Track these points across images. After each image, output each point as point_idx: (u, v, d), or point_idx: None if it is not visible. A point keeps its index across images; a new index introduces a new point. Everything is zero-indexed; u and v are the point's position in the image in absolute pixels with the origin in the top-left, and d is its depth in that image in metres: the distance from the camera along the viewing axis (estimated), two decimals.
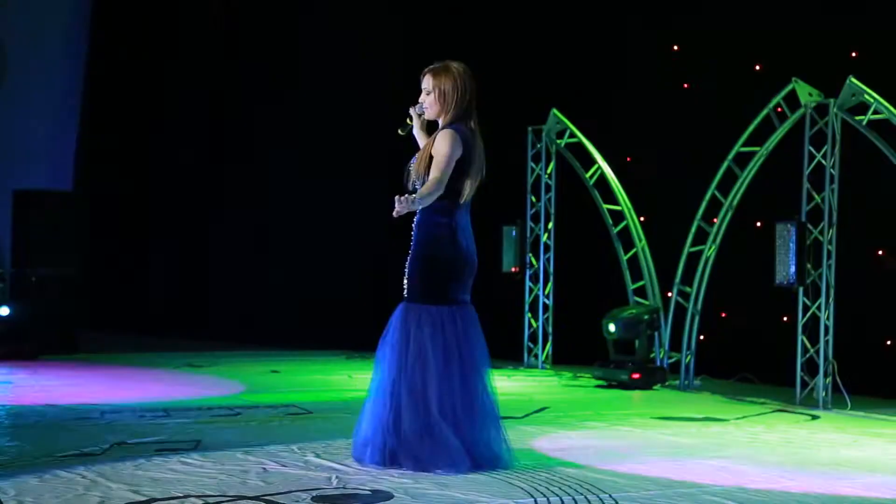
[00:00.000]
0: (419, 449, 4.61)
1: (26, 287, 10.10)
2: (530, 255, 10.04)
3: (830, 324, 7.39)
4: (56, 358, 9.60)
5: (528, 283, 10.03)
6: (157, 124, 13.43)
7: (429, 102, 4.87)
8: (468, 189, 4.82)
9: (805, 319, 7.50)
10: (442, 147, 4.72)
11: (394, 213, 4.47)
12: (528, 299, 10.03)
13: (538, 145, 9.97)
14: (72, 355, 9.89)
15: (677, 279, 8.65)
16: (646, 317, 8.71)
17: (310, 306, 11.52)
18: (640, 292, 9.23)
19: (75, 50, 13.58)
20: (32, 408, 6.46)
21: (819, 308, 7.42)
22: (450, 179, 4.73)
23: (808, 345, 7.51)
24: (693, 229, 8.54)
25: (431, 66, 4.92)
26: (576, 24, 10.06)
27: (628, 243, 9.32)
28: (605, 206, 9.43)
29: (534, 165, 10.01)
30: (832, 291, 7.39)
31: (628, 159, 9.63)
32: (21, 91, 12.77)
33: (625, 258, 9.33)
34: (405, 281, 4.83)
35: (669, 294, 8.77)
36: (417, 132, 5.08)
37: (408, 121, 5.07)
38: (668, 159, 9.35)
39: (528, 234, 10.03)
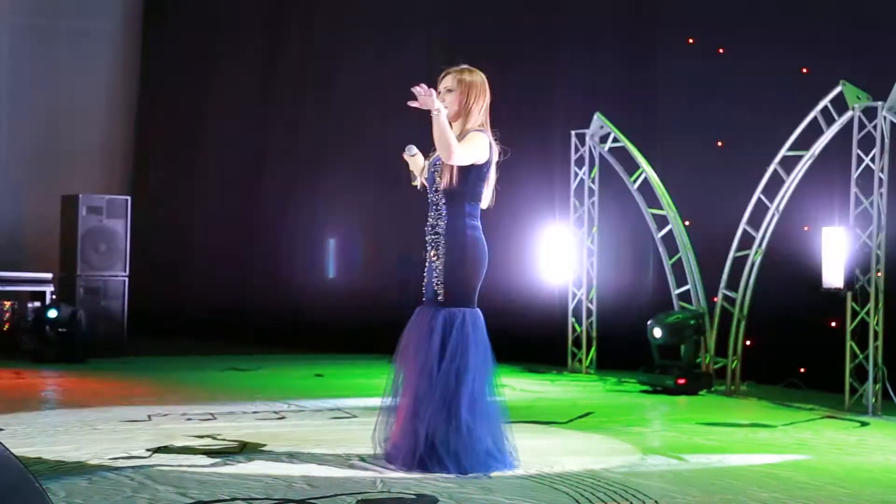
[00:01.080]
0: (455, 451, 4.62)
1: (74, 291, 10.23)
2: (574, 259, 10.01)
3: (880, 329, 7.30)
4: (103, 361, 9.71)
5: (571, 288, 10.00)
6: (205, 129, 13.55)
7: (450, 100, 4.85)
8: (488, 196, 4.86)
9: (854, 325, 7.42)
10: (470, 141, 4.73)
11: (412, 102, 4.49)
12: (571, 304, 10.00)
13: (582, 149, 9.93)
14: (119, 358, 10.00)
15: (723, 284, 8.58)
16: (692, 322, 8.65)
17: (354, 310, 11.55)
18: (685, 297, 9.17)
19: (126, 58, 13.74)
20: (81, 411, 6.54)
21: (868, 313, 7.33)
22: (473, 184, 4.77)
23: (857, 350, 7.42)
24: (739, 234, 8.47)
25: (453, 67, 4.92)
26: (619, 28, 10.02)
27: (673, 248, 9.26)
28: (650, 211, 9.37)
29: (577, 170, 9.97)
30: (881, 296, 7.30)
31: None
32: (70, 98, 12.94)
33: (669, 262, 9.27)
34: (439, 285, 4.81)
35: (715, 299, 8.71)
36: (417, 169, 5.10)
37: (411, 170, 5.08)
38: (713, 163, 9.28)
39: (573, 239, 10.00)
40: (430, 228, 4.88)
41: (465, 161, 4.73)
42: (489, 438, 4.72)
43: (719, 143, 9.31)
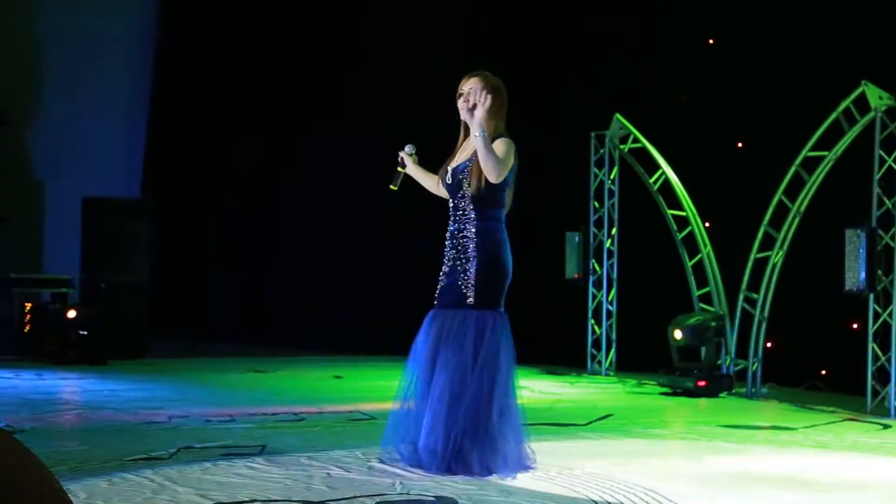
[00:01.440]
0: (481, 454, 4.64)
1: (95, 293, 10.27)
2: (594, 261, 9.99)
3: None
4: (124, 363, 9.76)
5: (591, 290, 9.98)
6: (222, 132, 13.60)
7: (473, 101, 4.87)
8: (510, 201, 4.87)
9: (876, 327, 7.38)
10: (503, 147, 4.75)
11: (466, 114, 4.48)
12: (591, 306, 9.98)
13: (601, 151, 9.93)
14: (139, 360, 10.04)
15: (744, 285, 8.56)
16: (713, 323, 8.63)
17: (373, 311, 11.57)
18: (706, 299, 9.14)
19: (142, 60, 13.82)
20: (101, 412, 6.58)
21: (890, 315, 7.29)
22: (500, 189, 4.78)
23: (880, 353, 7.38)
24: (760, 235, 8.45)
25: (477, 72, 4.94)
26: (637, 29, 10.00)
27: (693, 249, 9.24)
28: (670, 212, 9.36)
29: (597, 171, 9.96)
30: None
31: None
32: (89, 100, 13.01)
33: (689, 264, 9.25)
34: (468, 288, 4.81)
35: (735, 301, 8.68)
36: (415, 171, 5.11)
37: (399, 169, 5.10)
38: (733, 164, 9.26)
39: (592, 241, 9.99)
40: (455, 233, 4.88)
41: (505, 174, 4.76)
42: (512, 441, 4.74)
43: (740, 145, 9.28)
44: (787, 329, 8.76)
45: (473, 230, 4.84)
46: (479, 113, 4.72)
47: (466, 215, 4.86)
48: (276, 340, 11.94)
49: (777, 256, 8.34)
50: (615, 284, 9.92)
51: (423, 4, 11.46)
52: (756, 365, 8.44)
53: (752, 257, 8.51)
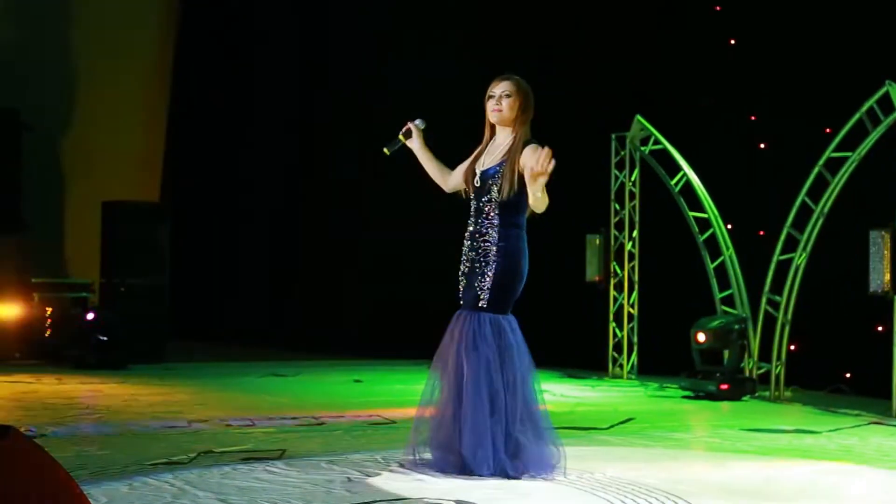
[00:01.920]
0: (505, 457, 4.65)
1: (115, 297, 10.32)
2: (614, 263, 9.97)
3: None
4: (144, 367, 9.79)
5: (612, 293, 9.96)
6: (243, 135, 13.66)
7: (506, 106, 4.88)
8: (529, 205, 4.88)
9: None
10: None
11: (543, 166, 4.47)
12: (612, 309, 9.96)
13: (622, 152, 9.91)
14: (159, 364, 10.08)
15: (766, 288, 8.52)
16: (735, 326, 8.59)
17: (393, 315, 11.58)
18: (728, 301, 9.11)
19: (162, 64, 13.90)
20: (121, 416, 6.61)
21: None
22: (523, 196, 4.79)
23: None
24: (783, 237, 8.42)
25: (506, 74, 4.95)
26: (658, 29, 9.98)
27: (715, 251, 9.21)
28: (691, 214, 9.34)
29: (618, 173, 9.95)
30: None
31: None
32: (109, 104, 13.09)
33: (711, 266, 9.22)
34: (483, 291, 4.81)
35: (758, 303, 8.64)
36: (420, 149, 5.10)
37: (400, 136, 5.09)
38: (756, 165, 9.22)
39: (613, 243, 9.97)
40: (476, 235, 4.89)
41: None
42: (535, 444, 4.74)
43: (762, 146, 9.24)
44: (811, 332, 8.71)
45: (496, 236, 4.85)
46: (543, 182, 4.64)
47: (490, 220, 4.86)
48: (296, 344, 11.96)
49: (800, 258, 8.31)
50: (636, 287, 9.89)
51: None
52: (779, 368, 8.40)
53: (774, 259, 8.47)
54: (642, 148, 9.72)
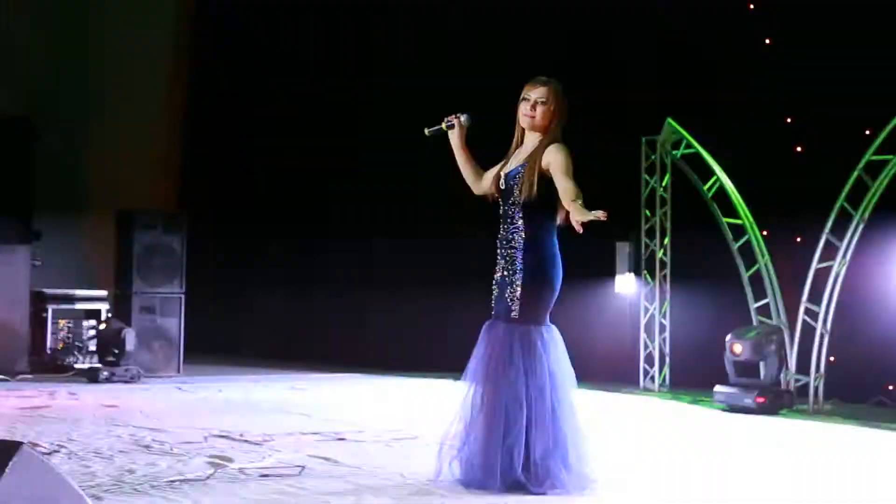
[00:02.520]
0: (539, 471, 4.65)
1: (130, 308, 10.35)
2: (646, 272, 9.93)
3: None
4: (159, 380, 9.82)
5: (643, 302, 9.92)
6: (259, 142, 13.69)
7: (542, 112, 4.87)
8: (563, 212, 4.86)
9: None
10: (568, 159, 4.73)
11: (600, 216, 4.44)
12: (643, 319, 9.91)
13: (652, 157, 9.86)
14: (175, 377, 10.11)
15: (804, 297, 8.47)
16: (773, 337, 8.52)
17: (418, 327, 11.55)
18: (764, 311, 9.05)
19: (176, 73, 13.97)
20: (136, 431, 6.63)
21: None
22: (551, 198, 4.76)
23: None
24: (821, 244, 8.36)
25: (543, 78, 4.93)
26: (688, 30, 9.92)
27: (750, 259, 9.15)
28: (725, 220, 9.28)
29: (648, 178, 9.90)
30: None
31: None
32: (124, 113, 13.16)
33: (747, 275, 9.16)
34: (514, 301, 4.79)
35: (796, 313, 8.58)
36: (459, 146, 5.07)
37: (443, 126, 5.07)
38: (792, 169, 9.14)
39: (643, 251, 9.93)
40: (504, 242, 4.89)
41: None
42: (571, 458, 4.72)
43: (798, 148, 9.17)
44: (851, 342, 8.63)
45: (521, 241, 4.84)
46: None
47: (514, 224, 4.85)
48: (316, 356, 11.94)
49: (839, 266, 8.24)
50: (668, 296, 9.85)
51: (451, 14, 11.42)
52: (818, 380, 8.34)
53: (812, 267, 8.42)
54: (674, 152, 9.67)
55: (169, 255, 10.51)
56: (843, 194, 8.17)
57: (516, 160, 4.95)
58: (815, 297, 8.42)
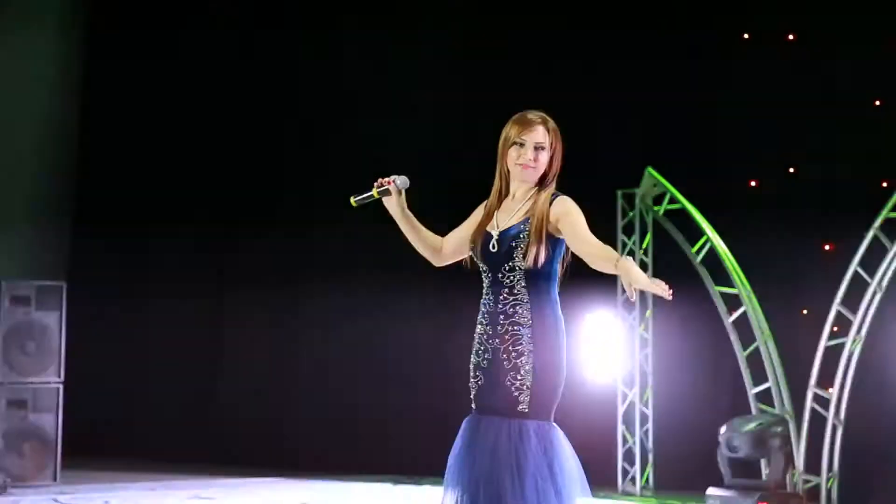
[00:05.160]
0: None
1: None
2: (622, 351, 9.90)
3: None
4: (31, 489, 9.61)
5: (620, 388, 9.86)
6: (157, 198, 13.58)
7: (544, 160, 4.74)
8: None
9: None
10: (579, 213, 4.65)
11: (665, 293, 4.34)
12: (621, 408, 9.86)
13: (630, 213, 9.90)
14: (50, 486, 9.86)
15: (812, 381, 8.52)
16: (776, 429, 8.57)
17: (345, 424, 11.46)
18: (765, 397, 9.07)
19: (63, 108, 13.89)
20: None
21: None
22: (558, 262, 4.66)
23: None
24: (831, 316, 8.43)
25: (537, 116, 4.79)
26: (674, 68, 10.00)
27: (748, 335, 9.18)
28: (718, 289, 9.35)
29: (625, 238, 9.94)
30: None
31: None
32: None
33: (744, 354, 9.20)
34: (521, 390, 4.62)
35: (803, 400, 8.62)
36: (399, 212, 4.89)
37: (375, 192, 4.85)
38: (795, 229, 9.20)
39: (620, 326, 9.89)
40: (499, 317, 4.69)
41: None
42: None
43: (802, 204, 9.24)
44: (870, 435, 8.65)
45: (528, 315, 4.65)
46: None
47: (515, 294, 4.67)
48: (227, 458, 11.77)
49: (854, 343, 8.30)
50: (650, 381, 9.80)
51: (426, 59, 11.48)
52: (832, 481, 8.37)
53: (821, 345, 8.49)
54: (655, 208, 9.72)
55: (44, 336, 10.31)
56: (857, 258, 8.25)
57: (509, 215, 4.78)
58: (826, 380, 8.45)
